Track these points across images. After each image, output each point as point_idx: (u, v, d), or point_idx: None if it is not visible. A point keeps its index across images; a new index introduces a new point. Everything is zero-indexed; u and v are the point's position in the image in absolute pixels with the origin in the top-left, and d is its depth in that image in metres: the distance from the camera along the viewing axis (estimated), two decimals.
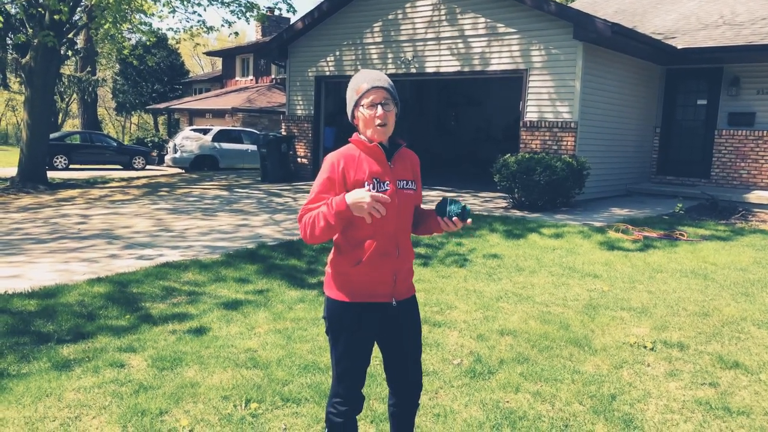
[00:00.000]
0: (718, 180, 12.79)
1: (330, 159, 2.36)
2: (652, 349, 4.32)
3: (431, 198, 11.84)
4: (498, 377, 3.81)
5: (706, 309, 5.24)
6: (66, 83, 29.82)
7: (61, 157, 21.52)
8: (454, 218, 2.33)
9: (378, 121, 2.30)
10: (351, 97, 2.37)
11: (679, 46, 12.22)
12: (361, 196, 2.16)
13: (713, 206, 10.73)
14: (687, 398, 3.58)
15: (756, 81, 12.30)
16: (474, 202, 11.43)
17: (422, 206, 2.61)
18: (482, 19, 11.91)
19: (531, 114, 11.47)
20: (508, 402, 3.49)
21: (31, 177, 14.66)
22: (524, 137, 11.56)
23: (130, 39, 27.30)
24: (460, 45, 12.28)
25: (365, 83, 2.32)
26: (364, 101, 2.32)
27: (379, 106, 2.31)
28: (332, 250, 2.47)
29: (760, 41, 11.59)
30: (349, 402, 2.44)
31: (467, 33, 12.14)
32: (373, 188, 2.28)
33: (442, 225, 2.37)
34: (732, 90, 12.50)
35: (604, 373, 3.90)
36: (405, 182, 2.39)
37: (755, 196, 11.13)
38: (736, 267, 6.68)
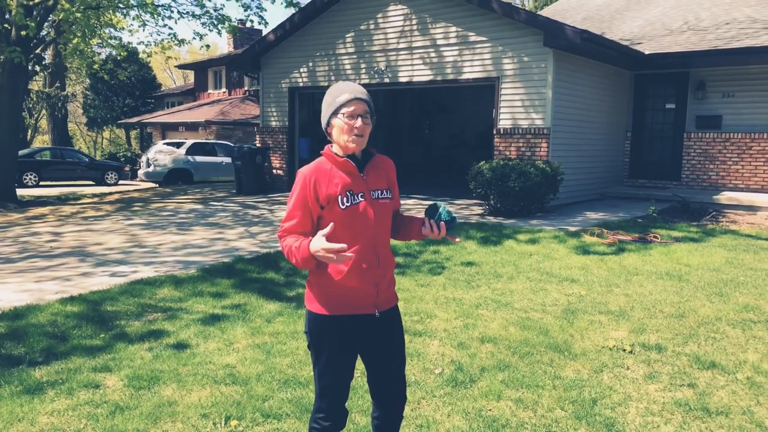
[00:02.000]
0: (689, 182, 13.03)
1: (302, 174, 2.35)
2: (630, 352, 4.36)
3: (407, 206, 11.85)
4: (480, 385, 3.80)
5: (682, 310, 5.30)
6: (35, 99, 29.35)
7: (31, 174, 21.13)
8: (441, 223, 2.33)
9: (356, 132, 2.31)
10: (329, 104, 2.36)
11: (646, 52, 12.45)
12: (316, 247, 2.17)
13: (685, 208, 10.91)
14: (666, 400, 3.61)
15: (721, 85, 12.58)
16: (450, 209, 11.44)
17: (401, 213, 2.61)
18: (453, 29, 12.00)
19: (504, 121, 11.56)
20: (490, 410, 3.49)
21: (0, 195, 14.35)
22: (498, 144, 11.65)
23: (100, 53, 26.98)
24: (433, 54, 12.35)
25: (347, 93, 2.33)
26: (344, 110, 2.31)
27: (360, 118, 2.32)
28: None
29: (724, 46, 11.86)
30: (333, 417, 2.41)
31: (439, 42, 12.22)
32: (347, 201, 2.29)
33: (426, 229, 2.38)
34: (698, 94, 12.77)
35: (585, 378, 3.92)
36: (380, 191, 2.38)
37: (725, 197, 11.35)
38: (709, 267, 6.79)
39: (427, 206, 2.40)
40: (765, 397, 3.62)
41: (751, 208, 10.86)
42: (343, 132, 2.32)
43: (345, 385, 2.41)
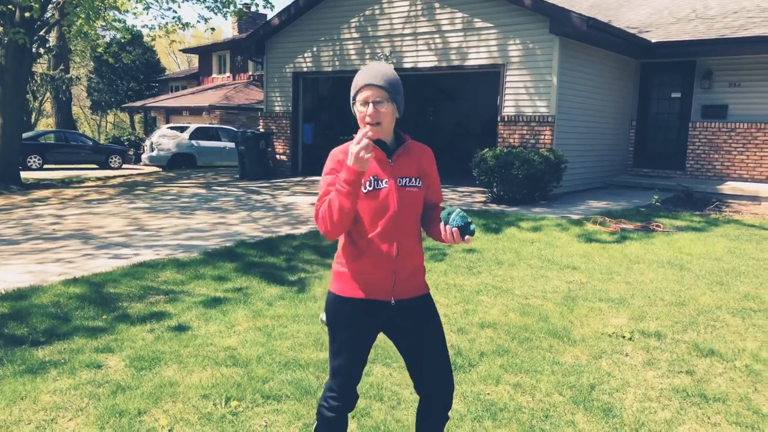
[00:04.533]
0: (693, 172, 12.98)
1: (334, 153, 2.33)
2: (630, 339, 4.37)
3: None
4: (479, 370, 3.82)
5: (682, 298, 5.31)
6: (39, 82, 29.30)
7: (35, 157, 21.15)
8: (455, 230, 2.21)
9: (368, 120, 2.24)
10: (352, 91, 2.32)
11: (653, 40, 12.36)
12: (351, 152, 2.12)
13: (688, 197, 10.88)
14: (664, 386, 3.63)
15: (728, 74, 12.49)
16: (453, 196, 11.46)
17: (438, 204, 2.50)
18: (459, 14, 11.92)
19: (509, 108, 11.52)
20: (488, 394, 3.51)
21: (4, 177, 14.37)
22: (502, 131, 11.61)
23: (104, 36, 26.91)
24: (438, 40, 12.28)
25: (361, 79, 2.27)
26: (358, 97, 2.27)
27: (371, 105, 2.23)
28: (338, 247, 2.44)
29: (731, 35, 11.76)
30: (342, 398, 2.41)
31: (444, 28, 12.15)
32: (369, 185, 2.26)
33: (443, 233, 2.26)
34: (705, 83, 12.68)
35: (584, 364, 3.94)
36: (408, 179, 2.31)
37: (729, 187, 11.31)
38: (711, 257, 6.78)
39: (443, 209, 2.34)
40: (763, 385, 3.64)
41: (755, 198, 10.82)
42: (361, 120, 2.28)
43: (356, 368, 2.40)
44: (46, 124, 43.59)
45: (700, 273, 6.13)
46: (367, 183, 2.26)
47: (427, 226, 2.43)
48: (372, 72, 2.28)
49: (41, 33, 15.70)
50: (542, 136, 11.09)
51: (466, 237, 2.22)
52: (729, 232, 8.17)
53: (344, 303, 2.34)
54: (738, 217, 9.41)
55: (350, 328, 2.35)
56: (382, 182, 2.28)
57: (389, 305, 2.34)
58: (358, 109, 2.27)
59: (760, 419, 3.23)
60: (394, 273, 2.31)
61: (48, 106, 37.37)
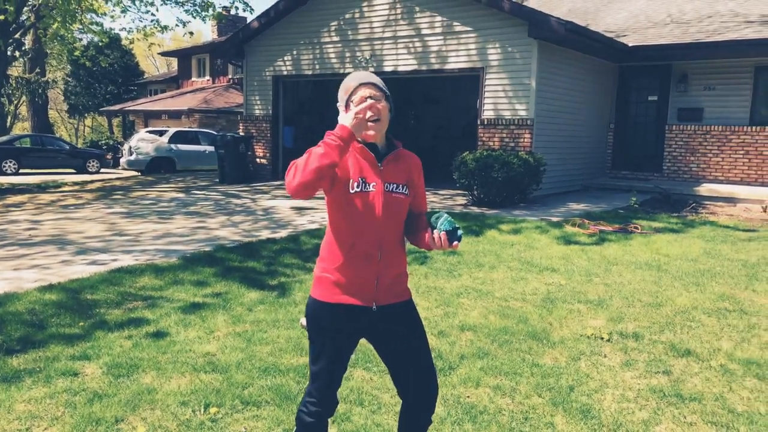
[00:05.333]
0: (670, 174, 13.17)
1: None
2: (608, 340, 4.41)
3: None
4: (459, 372, 3.83)
5: (659, 299, 5.38)
6: (14, 85, 28.88)
7: (10, 162, 20.81)
8: (442, 234, 2.21)
9: (369, 114, 2.22)
10: (341, 98, 2.33)
11: (630, 44, 12.53)
12: (350, 116, 2.15)
13: (666, 199, 11.04)
14: (642, 387, 3.67)
15: (703, 77, 12.70)
16: (434, 199, 11.50)
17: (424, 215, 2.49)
18: (439, 18, 11.98)
19: (488, 112, 11.59)
20: (468, 397, 3.52)
21: None
22: (482, 135, 11.68)
23: (81, 39, 26.59)
24: (417, 44, 12.33)
25: (353, 81, 2.30)
26: (354, 98, 2.27)
27: (369, 100, 2.25)
28: (320, 252, 2.43)
29: (706, 39, 11.96)
30: (322, 403, 2.40)
31: (424, 32, 12.20)
32: (358, 187, 2.24)
33: (428, 239, 2.26)
34: (681, 86, 12.88)
35: (563, 366, 3.97)
36: (395, 185, 2.30)
37: (705, 189, 11.49)
38: (688, 258, 6.88)
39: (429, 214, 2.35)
40: (737, 384, 3.69)
41: (730, 200, 11.00)
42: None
43: (335, 373, 2.39)
44: (21, 128, 42.95)
45: (676, 274, 6.22)
46: (355, 184, 2.24)
47: (411, 234, 2.42)
48: (363, 75, 2.32)
49: (16, 36, 15.48)
50: (521, 139, 11.18)
51: (454, 243, 2.21)
52: (705, 233, 8.30)
53: (325, 308, 2.32)
54: (714, 219, 9.56)
55: (330, 334, 2.34)
56: (369, 185, 2.26)
57: (371, 311, 2.32)
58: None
59: (735, 418, 3.28)
60: (377, 278, 2.30)
61: (24, 110, 36.85)
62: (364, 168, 2.28)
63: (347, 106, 2.29)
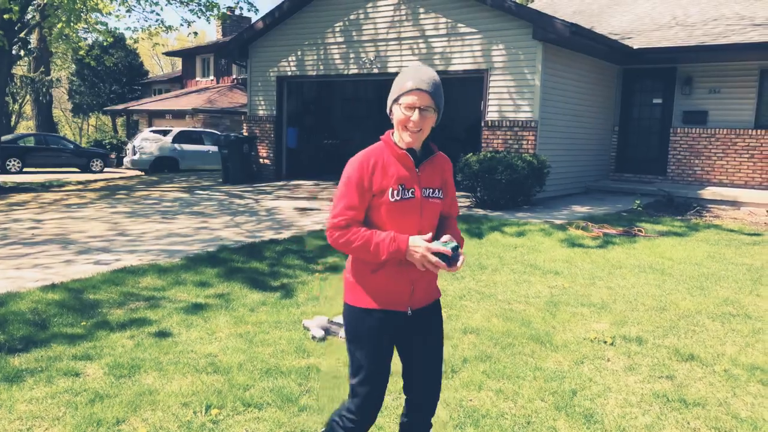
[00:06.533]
0: (674, 177, 13.12)
1: (358, 160, 2.24)
2: (611, 344, 4.39)
3: None
4: (461, 376, 3.82)
5: (663, 303, 5.35)
6: (19, 84, 28.95)
7: (15, 160, 20.87)
8: (446, 250, 2.19)
9: (411, 126, 2.19)
10: (395, 88, 2.24)
11: (635, 46, 12.49)
12: (416, 245, 2.15)
13: (669, 202, 11.00)
14: (645, 392, 3.65)
15: (708, 80, 12.66)
16: (452, 243, 11.46)
17: (454, 222, 2.49)
18: (443, 19, 11.97)
19: (492, 113, 11.57)
20: (471, 400, 3.50)
21: None
22: (486, 136, 11.66)
23: (86, 39, 26.65)
24: (422, 45, 12.32)
25: (410, 81, 2.19)
26: (404, 100, 2.19)
27: (417, 111, 2.18)
28: (350, 257, 2.37)
29: (711, 42, 11.92)
30: (360, 421, 2.33)
31: (428, 33, 12.19)
32: (398, 194, 2.21)
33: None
34: (685, 89, 12.84)
35: (565, 369, 3.95)
36: (431, 190, 2.29)
37: (709, 192, 11.45)
38: (692, 262, 6.85)
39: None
40: (741, 389, 3.67)
41: (735, 203, 10.96)
42: (400, 123, 2.22)
43: (379, 387, 2.32)
44: (26, 126, 43.06)
45: (680, 278, 6.19)
46: (395, 192, 2.21)
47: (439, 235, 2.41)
48: (422, 75, 2.20)
49: (21, 35, 15.51)
50: (525, 141, 11.16)
51: (452, 268, 2.19)
52: (709, 236, 8.26)
53: (364, 314, 2.28)
54: (718, 222, 9.52)
55: (371, 341, 2.29)
56: (408, 192, 2.24)
57: (405, 315, 2.31)
58: (402, 112, 2.20)
59: (739, 424, 3.26)
60: (413, 284, 2.29)
61: (28, 109, 36.92)
62: (403, 174, 2.23)
63: (396, 102, 2.22)
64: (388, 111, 2.28)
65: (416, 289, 2.30)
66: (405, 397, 2.49)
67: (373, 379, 2.31)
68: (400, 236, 2.17)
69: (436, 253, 2.17)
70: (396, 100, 2.22)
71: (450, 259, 2.18)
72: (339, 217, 2.21)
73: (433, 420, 3.20)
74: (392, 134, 2.29)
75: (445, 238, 2.22)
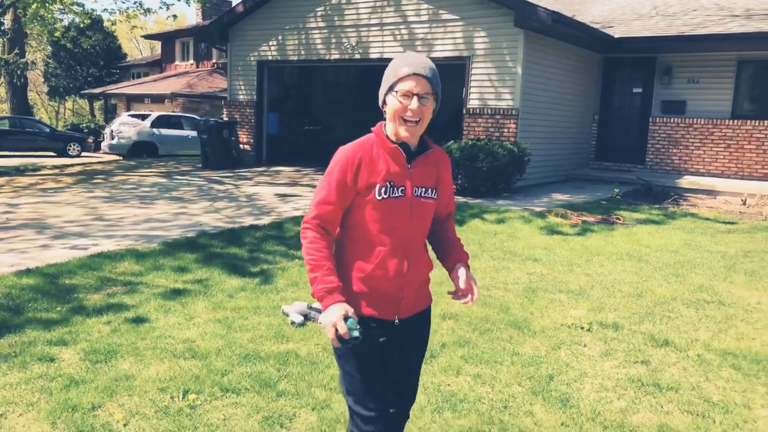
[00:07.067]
0: (653, 166, 13.26)
1: (345, 153, 2.05)
2: (588, 330, 4.44)
3: None
4: (439, 361, 3.84)
5: (639, 290, 5.42)
6: None
7: None
8: (474, 290, 2.17)
9: (409, 115, 2.00)
10: (387, 78, 2.04)
11: (616, 35, 12.55)
12: (329, 320, 1.93)
13: (648, 191, 11.12)
14: (620, 376, 3.70)
15: (687, 70, 12.78)
16: None
17: (451, 219, 2.33)
18: (425, 5, 11.91)
19: (474, 101, 11.58)
20: (449, 385, 3.53)
21: None
22: (467, 124, 11.67)
23: (62, 20, 26.10)
24: (404, 31, 12.26)
25: (406, 67, 1.99)
26: (400, 87, 1.99)
27: (416, 98, 1.98)
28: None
29: (690, 32, 12.02)
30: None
31: (410, 19, 12.12)
32: (385, 192, 2.02)
33: (459, 282, 2.18)
34: (665, 79, 12.95)
35: (543, 355, 3.99)
36: (424, 189, 2.09)
37: (686, 182, 11.60)
38: (668, 249, 6.94)
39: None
40: (714, 374, 3.74)
41: (711, 192, 11.12)
42: (396, 114, 2.01)
43: (379, 397, 2.11)
44: (0, 109, 42.22)
45: (657, 265, 6.27)
46: (383, 189, 2.02)
47: (436, 243, 2.28)
48: (418, 61, 2.02)
49: None
50: (506, 129, 11.19)
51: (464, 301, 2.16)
52: (686, 225, 8.38)
53: None
54: (695, 211, 9.66)
55: (360, 352, 2.07)
56: (397, 190, 2.04)
57: (393, 324, 2.12)
58: (399, 100, 2.00)
59: (711, 407, 3.32)
60: (401, 290, 2.11)
61: (2, 91, 36.19)
62: (393, 170, 2.04)
63: (390, 90, 2.02)
64: (380, 103, 2.08)
65: (405, 295, 2.12)
66: None
67: (372, 389, 2.10)
68: (332, 291, 1.96)
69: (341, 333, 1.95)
70: (390, 89, 2.02)
71: (345, 341, 1.96)
72: (314, 212, 2.05)
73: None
74: (384, 126, 2.10)
75: (354, 319, 1.96)
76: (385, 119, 2.10)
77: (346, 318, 1.95)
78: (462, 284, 2.19)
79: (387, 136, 2.07)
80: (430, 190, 2.11)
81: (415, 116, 2.00)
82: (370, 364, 2.11)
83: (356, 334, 1.95)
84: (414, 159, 2.08)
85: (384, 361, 2.14)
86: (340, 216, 2.07)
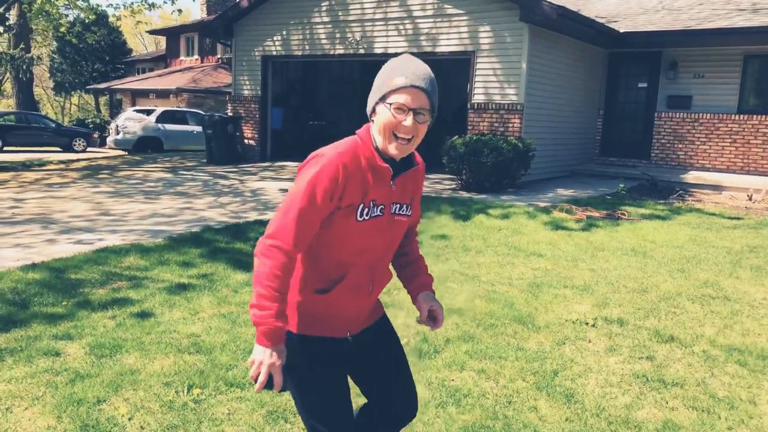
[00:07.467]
0: (658, 161, 13.22)
1: (334, 165, 1.76)
2: (593, 325, 4.43)
3: None
4: (444, 356, 3.84)
5: (644, 286, 5.41)
6: None
7: None
8: (439, 317, 2.05)
9: (402, 133, 1.77)
10: (379, 86, 1.80)
11: (621, 30, 12.50)
12: (267, 361, 1.72)
13: (653, 186, 11.09)
14: (625, 372, 3.70)
15: (692, 65, 12.72)
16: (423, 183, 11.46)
17: (414, 240, 2.18)
18: (430, 0, 11.87)
19: (478, 96, 11.55)
20: (453, 380, 3.53)
21: None
22: (472, 119, 11.64)
23: (67, 15, 26.13)
24: (408, 26, 12.23)
25: (403, 77, 1.75)
26: (394, 99, 1.75)
27: (411, 114, 1.75)
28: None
29: (696, 26, 11.96)
30: None
31: (415, 14, 12.09)
32: (367, 214, 1.81)
33: (421, 315, 2.05)
34: (670, 73, 12.89)
35: (547, 350, 3.99)
36: (399, 206, 1.90)
37: (692, 177, 11.55)
38: (673, 245, 6.92)
39: None
40: (719, 370, 3.73)
41: (717, 188, 11.07)
42: (387, 128, 1.77)
43: (343, 414, 1.91)
44: (6, 104, 42.34)
45: (662, 260, 6.25)
46: (365, 210, 1.80)
47: (400, 263, 2.13)
48: (416, 70, 1.77)
49: (0, 10, 15.16)
50: (511, 124, 11.16)
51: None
52: (691, 220, 8.35)
53: (298, 341, 1.89)
54: (700, 206, 9.62)
55: (316, 366, 1.91)
56: (377, 209, 1.84)
57: (346, 342, 1.97)
58: (392, 115, 1.76)
59: (716, 403, 3.32)
60: (359, 313, 1.97)
61: (8, 87, 36.28)
62: (375, 188, 1.82)
63: (382, 100, 1.78)
64: (369, 111, 1.84)
65: (361, 316, 1.98)
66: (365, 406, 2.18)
67: (333, 411, 1.90)
68: (280, 333, 1.74)
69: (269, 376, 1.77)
70: (383, 99, 1.78)
71: (270, 386, 1.80)
72: (290, 230, 1.73)
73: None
74: (374, 137, 1.84)
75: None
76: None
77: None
78: (425, 316, 2.05)
79: (376, 150, 1.83)
80: (405, 206, 1.93)
81: (408, 134, 1.77)
82: (328, 380, 1.91)
83: (286, 385, 1.84)
84: (397, 176, 1.88)
85: (344, 379, 1.97)
86: (312, 234, 1.79)
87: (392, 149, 1.80)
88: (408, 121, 1.75)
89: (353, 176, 1.77)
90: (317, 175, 1.75)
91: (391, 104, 1.75)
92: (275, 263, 1.73)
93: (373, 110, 1.82)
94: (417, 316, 2.12)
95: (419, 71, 1.77)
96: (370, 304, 2.01)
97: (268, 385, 1.78)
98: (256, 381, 1.75)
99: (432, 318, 2.06)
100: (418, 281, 2.11)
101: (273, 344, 1.74)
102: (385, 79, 1.79)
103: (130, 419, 3.04)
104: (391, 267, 2.10)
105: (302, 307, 1.89)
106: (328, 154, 1.78)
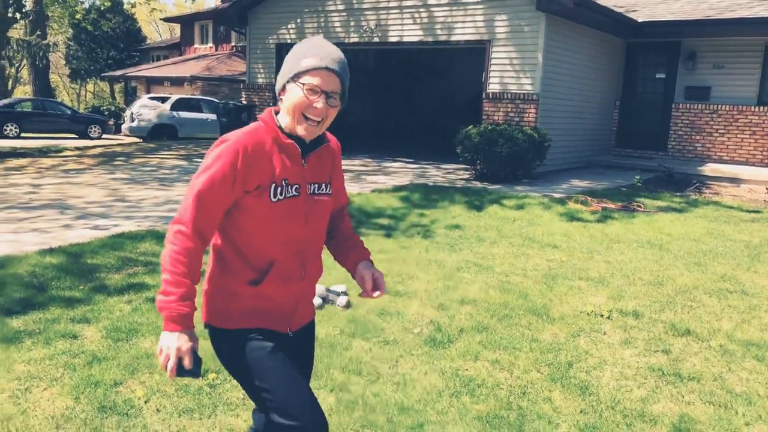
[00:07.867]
0: (675, 153, 13.07)
1: (234, 146, 1.76)
2: (608, 317, 4.41)
3: (393, 169, 11.81)
4: (457, 346, 3.83)
5: (660, 278, 5.36)
6: (15, 48, 28.57)
7: (12, 125, 20.70)
8: (381, 284, 1.96)
9: (312, 114, 1.78)
10: (291, 65, 1.80)
11: (640, 20, 12.34)
12: (174, 345, 1.72)
13: (669, 178, 10.97)
14: (641, 365, 3.67)
15: (712, 55, 12.53)
16: (437, 173, 11.44)
17: (346, 215, 2.12)
18: None
19: (494, 85, 11.46)
20: (467, 370, 3.52)
21: None
22: (487, 109, 11.57)
23: (83, 2, 26.25)
24: (423, 14, 12.14)
25: (318, 57, 1.76)
26: (306, 80, 1.75)
27: (323, 97, 1.77)
28: (211, 262, 1.91)
29: (717, 15, 11.77)
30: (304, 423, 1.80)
31: (430, 2, 12.00)
32: (281, 193, 1.79)
33: (364, 282, 1.95)
34: (689, 64, 12.72)
35: (562, 342, 3.97)
36: (318, 186, 1.88)
37: (709, 169, 11.42)
38: (690, 237, 6.85)
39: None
40: (737, 365, 3.69)
41: (735, 180, 10.94)
42: (297, 108, 1.78)
43: (299, 386, 1.85)
44: (23, 91, 42.69)
45: (678, 253, 6.19)
46: (278, 190, 1.78)
47: (333, 243, 2.06)
48: (329, 51, 1.79)
49: None
50: (526, 114, 11.07)
51: (376, 293, 1.95)
52: (708, 213, 8.26)
53: (238, 335, 1.86)
54: (717, 199, 9.51)
55: (259, 343, 1.85)
56: (292, 188, 1.81)
57: (288, 337, 1.93)
58: (299, 94, 1.76)
59: (733, 398, 3.29)
60: (297, 301, 1.93)
61: (25, 74, 36.55)
62: (287, 167, 1.80)
63: (294, 80, 1.78)
64: (278, 90, 1.83)
65: (299, 306, 1.94)
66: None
67: (287, 383, 1.83)
68: (187, 317, 1.74)
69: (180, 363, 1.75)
70: (294, 78, 1.77)
71: (182, 372, 1.78)
72: (190, 214, 1.74)
73: (427, 388, 3.21)
74: (275, 114, 1.85)
75: (198, 357, 1.79)
76: (278, 105, 1.86)
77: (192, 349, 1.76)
78: (369, 284, 1.96)
79: (280, 128, 1.82)
80: (324, 185, 1.90)
81: (319, 116, 1.78)
82: (279, 362, 1.85)
83: (198, 370, 1.78)
84: (309, 153, 1.86)
85: (290, 358, 1.89)
86: (219, 217, 1.79)
87: (300, 130, 1.80)
88: (320, 103, 1.76)
89: (257, 158, 1.76)
90: (215, 160, 1.76)
91: (303, 84, 1.76)
92: (178, 248, 1.74)
93: (283, 88, 1.81)
94: (360, 292, 2.02)
95: (333, 54, 1.78)
96: (306, 294, 1.97)
97: (182, 371, 1.76)
98: (167, 369, 1.73)
99: (376, 287, 1.97)
100: (354, 253, 2.04)
101: (180, 329, 1.74)
102: (297, 58, 1.79)
103: (146, 402, 3.06)
104: (326, 255, 2.04)
105: (239, 300, 1.86)
106: (230, 139, 1.79)
